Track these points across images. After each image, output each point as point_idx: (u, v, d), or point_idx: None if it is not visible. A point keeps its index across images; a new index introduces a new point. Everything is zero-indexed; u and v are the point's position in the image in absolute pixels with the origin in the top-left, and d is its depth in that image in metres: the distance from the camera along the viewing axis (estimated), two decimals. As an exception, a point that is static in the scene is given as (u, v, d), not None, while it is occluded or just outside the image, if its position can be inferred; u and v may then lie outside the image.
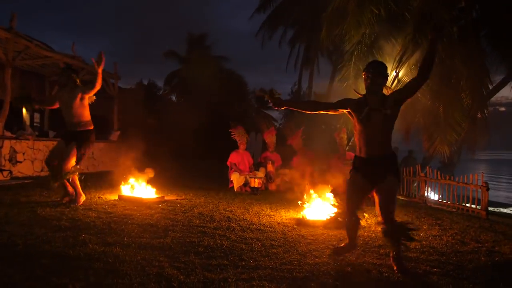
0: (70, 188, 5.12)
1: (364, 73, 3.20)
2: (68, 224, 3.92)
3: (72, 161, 4.94)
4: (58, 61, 9.92)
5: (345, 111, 3.32)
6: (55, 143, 8.73)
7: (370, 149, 3.15)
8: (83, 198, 5.14)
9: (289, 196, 6.54)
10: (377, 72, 3.12)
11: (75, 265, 2.71)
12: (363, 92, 3.28)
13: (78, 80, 5.19)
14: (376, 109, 3.08)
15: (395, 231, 3.07)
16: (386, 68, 3.20)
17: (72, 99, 4.99)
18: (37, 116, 12.56)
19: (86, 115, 5.14)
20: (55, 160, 4.98)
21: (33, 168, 8.22)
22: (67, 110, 5.03)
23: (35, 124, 12.06)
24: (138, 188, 6.03)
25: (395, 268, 3.07)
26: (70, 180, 4.99)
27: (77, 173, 5.04)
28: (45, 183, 5.51)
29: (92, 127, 5.20)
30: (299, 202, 5.34)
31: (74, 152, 4.95)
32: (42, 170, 8.40)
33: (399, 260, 3.09)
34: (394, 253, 3.10)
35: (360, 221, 3.42)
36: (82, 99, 5.04)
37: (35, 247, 3.04)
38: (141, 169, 6.31)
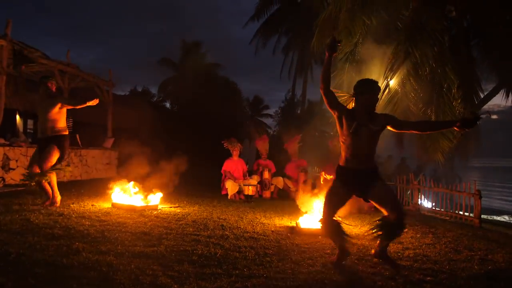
0: (49, 191, 5.24)
1: (353, 91, 3.34)
2: (62, 232, 3.89)
3: (52, 162, 5.09)
4: (53, 68, 9.90)
5: (336, 114, 3.37)
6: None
7: (356, 162, 3.28)
8: (59, 198, 5.37)
9: (282, 204, 6.55)
10: (368, 91, 3.27)
11: (69, 274, 2.69)
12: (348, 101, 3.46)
13: (54, 88, 5.35)
14: (364, 125, 3.22)
15: (401, 225, 3.27)
16: (375, 84, 3.31)
17: (51, 107, 5.14)
18: (30, 122, 12.50)
19: (62, 121, 5.30)
20: (35, 167, 5.06)
21: (25, 175, 8.15)
22: (44, 116, 5.17)
23: (28, 130, 12.00)
24: (131, 195, 6.00)
25: (380, 259, 3.42)
26: (49, 180, 5.12)
27: (55, 173, 5.20)
28: (39, 191, 5.51)
29: (66, 133, 5.34)
30: (302, 209, 5.29)
31: (53, 153, 5.09)
32: (34, 178, 8.34)
33: (386, 250, 3.44)
34: (384, 244, 3.38)
35: (341, 224, 3.47)
36: (61, 108, 5.22)
37: (28, 256, 3.02)
38: (140, 181, 6.32)
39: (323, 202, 3.47)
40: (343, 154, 3.37)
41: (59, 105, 5.16)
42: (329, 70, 3.33)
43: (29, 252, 3.11)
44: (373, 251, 3.52)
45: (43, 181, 5.08)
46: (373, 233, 3.36)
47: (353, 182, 3.30)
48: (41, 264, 2.85)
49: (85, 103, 5.07)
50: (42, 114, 5.18)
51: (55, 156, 5.13)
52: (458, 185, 7.33)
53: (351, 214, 6.45)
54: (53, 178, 5.21)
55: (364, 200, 3.42)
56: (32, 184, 5.08)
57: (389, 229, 3.29)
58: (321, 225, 3.53)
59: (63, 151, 5.23)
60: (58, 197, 5.38)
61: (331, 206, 3.39)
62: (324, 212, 3.42)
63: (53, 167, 5.17)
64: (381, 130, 3.28)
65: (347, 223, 4.02)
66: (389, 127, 3.32)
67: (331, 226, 3.41)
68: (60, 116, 5.26)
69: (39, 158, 5.10)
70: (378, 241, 3.40)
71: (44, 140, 5.18)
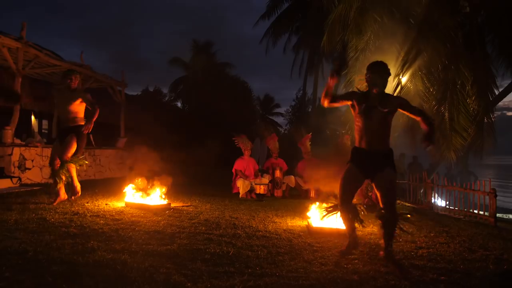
0: (61, 189, 5.49)
1: (366, 72, 3.47)
2: (77, 231, 3.96)
3: (72, 151, 5.33)
4: (66, 69, 10.06)
5: (349, 103, 3.52)
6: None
7: (369, 142, 3.38)
8: (79, 187, 5.65)
9: (294, 203, 6.54)
10: (377, 71, 3.40)
11: (84, 272, 2.75)
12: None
13: (77, 83, 5.57)
14: (374, 106, 3.33)
15: (392, 221, 3.33)
16: (386, 67, 3.44)
17: (72, 100, 5.39)
18: (45, 123, 12.73)
19: (82, 113, 5.55)
20: (57, 160, 5.35)
21: (41, 175, 8.31)
22: (65, 107, 5.40)
23: (43, 131, 12.22)
24: (145, 195, 6.06)
25: (382, 253, 3.42)
26: (69, 171, 5.38)
27: (74, 164, 5.44)
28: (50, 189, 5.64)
29: (82, 123, 5.51)
30: (314, 207, 5.24)
31: (73, 143, 5.31)
32: (50, 177, 8.50)
33: (390, 253, 3.35)
34: (388, 239, 3.35)
35: (357, 210, 3.60)
36: (81, 102, 5.50)
37: (45, 254, 3.09)
38: (156, 175, 6.37)
39: (339, 186, 3.51)
40: (356, 135, 3.50)
41: (80, 100, 5.43)
42: (332, 89, 3.51)
43: (46, 250, 3.19)
44: (381, 253, 3.51)
45: (62, 174, 5.33)
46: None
47: (364, 163, 3.40)
48: (57, 262, 2.91)
49: (95, 116, 5.35)
50: (63, 105, 5.41)
51: (74, 146, 5.35)
52: (472, 183, 7.22)
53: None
54: (73, 169, 5.45)
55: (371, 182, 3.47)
56: (58, 179, 5.36)
57: (382, 224, 3.36)
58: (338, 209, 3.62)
59: (81, 141, 5.45)
60: (78, 186, 5.61)
61: (346, 189, 3.48)
62: (340, 196, 3.50)
63: (72, 159, 5.37)
64: (392, 112, 3.34)
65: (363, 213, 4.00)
66: (401, 110, 3.38)
67: (348, 209, 3.50)
68: (80, 109, 5.52)
69: (60, 148, 5.33)
70: (381, 240, 3.44)
71: (64, 130, 5.43)
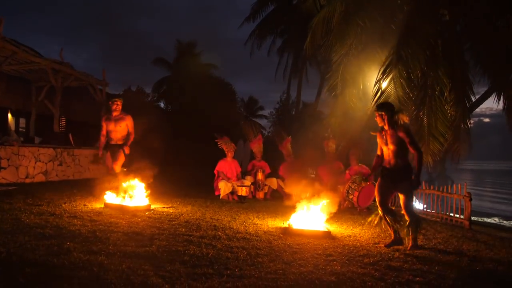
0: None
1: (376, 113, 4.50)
2: (53, 232, 3.88)
3: (122, 162, 6.52)
4: (46, 67, 9.85)
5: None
6: (40, 149, 8.71)
7: (390, 163, 4.47)
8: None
9: (276, 205, 6.57)
10: (387, 112, 4.42)
11: (59, 273, 2.69)
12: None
13: (121, 107, 6.55)
14: (389, 139, 4.41)
15: (413, 221, 4.39)
16: (392, 106, 4.55)
17: (121, 123, 6.48)
18: (22, 121, 12.40)
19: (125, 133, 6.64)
20: (114, 167, 6.47)
21: (17, 174, 8.09)
22: (116, 128, 6.51)
23: (20, 129, 11.89)
24: (124, 195, 5.97)
25: (409, 246, 4.37)
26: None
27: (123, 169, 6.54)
28: (31, 191, 5.51)
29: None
30: (295, 207, 5.33)
31: (122, 155, 6.47)
32: (27, 177, 8.28)
33: (414, 241, 4.40)
34: (411, 236, 4.38)
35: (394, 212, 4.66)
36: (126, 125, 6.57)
37: (18, 256, 3.01)
38: (136, 173, 6.30)
39: (376, 193, 4.60)
40: (385, 158, 4.58)
41: (126, 124, 6.50)
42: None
43: (20, 252, 3.11)
44: (410, 244, 4.41)
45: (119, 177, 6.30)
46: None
47: (387, 177, 4.48)
48: (31, 263, 2.84)
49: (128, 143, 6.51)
50: (114, 126, 6.47)
51: (123, 157, 6.48)
52: (449, 187, 7.41)
53: (343, 215, 6.50)
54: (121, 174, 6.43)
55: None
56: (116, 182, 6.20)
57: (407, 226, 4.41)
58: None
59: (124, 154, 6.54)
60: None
61: (381, 195, 4.52)
62: (378, 202, 4.55)
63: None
64: (402, 142, 4.34)
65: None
66: (404, 140, 4.33)
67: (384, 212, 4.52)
68: (126, 130, 6.56)
69: (114, 159, 6.46)
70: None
71: (115, 146, 6.50)
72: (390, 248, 4.34)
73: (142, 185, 6.03)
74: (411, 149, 4.29)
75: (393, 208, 4.69)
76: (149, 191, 6.05)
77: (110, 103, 6.54)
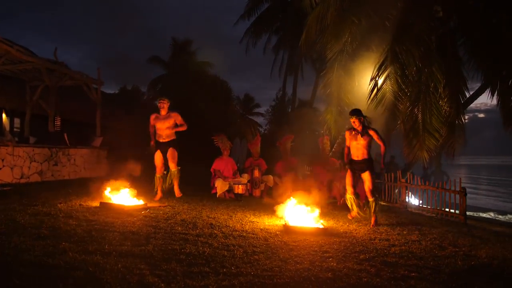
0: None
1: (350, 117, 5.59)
2: (48, 232, 3.86)
3: (176, 158, 6.77)
4: (40, 66, 9.78)
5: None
6: (35, 149, 8.66)
7: (358, 155, 5.69)
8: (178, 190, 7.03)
9: (272, 202, 6.58)
10: (360, 116, 5.55)
11: (55, 274, 2.68)
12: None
13: (166, 106, 6.72)
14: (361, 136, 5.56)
15: (376, 200, 5.64)
16: (362, 112, 5.63)
17: (169, 123, 6.66)
18: (17, 121, 12.33)
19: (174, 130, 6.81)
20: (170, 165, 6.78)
21: (12, 175, 8.04)
22: (163, 126, 6.66)
23: (15, 129, 11.83)
24: (121, 195, 5.96)
25: (372, 223, 5.55)
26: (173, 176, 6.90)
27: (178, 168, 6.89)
28: (26, 191, 5.50)
29: (175, 137, 6.85)
30: (275, 208, 5.60)
31: (176, 152, 6.75)
32: (21, 177, 8.24)
33: (376, 218, 5.60)
34: (374, 215, 5.59)
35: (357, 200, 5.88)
36: (174, 121, 6.71)
37: (13, 256, 2.99)
38: (125, 171, 6.33)
39: (347, 181, 5.82)
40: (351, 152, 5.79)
41: (173, 121, 6.65)
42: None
43: (15, 252, 3.09)
44: (372, 220, 5.59)
45: (174, 177, 6.84)
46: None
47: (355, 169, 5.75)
48: (26, 264, 2.83)
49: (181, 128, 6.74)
50: (163, 124, 6.61)
51: (176, 155, 6.72)
52: (444, 182, 7.45)
53: (340, 212, 6.52)
54: (177, 174, 6.88)
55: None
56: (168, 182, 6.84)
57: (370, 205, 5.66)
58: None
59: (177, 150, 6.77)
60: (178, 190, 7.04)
61: (349, 181, 5.80)
62: (347, 186, 5.84)
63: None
64: (369, 136, 5.58)
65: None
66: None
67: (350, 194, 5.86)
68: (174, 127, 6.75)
69: (168, 159, 6.68)
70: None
71: (164, 144, 6.68)
72: (386, 244, 4.36)
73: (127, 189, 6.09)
74: (379, 142, 5.53)
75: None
76: (135, 191, 6.11)
77: (158, 103, 6.73)
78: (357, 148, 5.59)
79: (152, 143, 6.70)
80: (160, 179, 6.85)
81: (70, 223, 4.35)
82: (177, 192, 7.03)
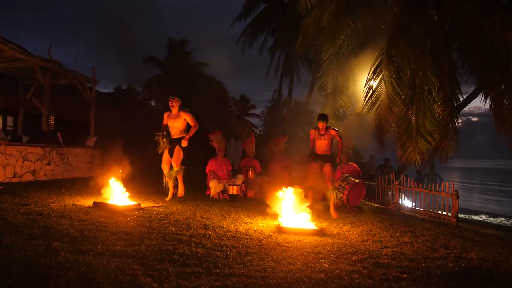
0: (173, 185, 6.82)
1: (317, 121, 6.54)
2: (40, 232, 3.83)
3: (181, 157, 6.60)
4: (34, 65, 9.71)
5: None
6: (28, 148, 8.60)
7: (322, 151, 6.70)
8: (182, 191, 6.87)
9: (266, 203, 6.59)
10: (327, 120, 6.59)
11: (46, 274, 2.67)
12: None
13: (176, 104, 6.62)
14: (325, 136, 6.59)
15: (335, 188, 6.69)
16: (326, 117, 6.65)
17: (179, 121, 6.61)
18: (10, 120, 12.23)
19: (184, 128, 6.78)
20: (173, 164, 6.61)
21: (4, 174, 7.97)
22: (173, 124, 6.67)
23: (7, 128, 11.72)
24: (114, 195, 5.94)
25: (331, 208, 6.53)
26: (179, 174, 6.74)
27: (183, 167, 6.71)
28: (18, 190, 5.46)
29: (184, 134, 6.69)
30: (267, 210, 5.65)
31: (180, 151, 6.56)
32: (14, 176, 8.17)
33: (334, 204, 6.55)
34: (333, 203, 6.53)
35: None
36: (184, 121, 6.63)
37: (4, 256, 2.97)
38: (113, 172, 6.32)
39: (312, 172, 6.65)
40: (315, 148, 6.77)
41: (183, 119, 6.58)
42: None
43: (6, 252, 3.07)
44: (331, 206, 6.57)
45: (178, 175, 6.67)
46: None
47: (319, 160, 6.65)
48: (17, 263, 2.81)
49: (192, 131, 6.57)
50: (173, 123, 6.64)
51: (181, 154, 6.53)
52: (437, 185, 7.51)
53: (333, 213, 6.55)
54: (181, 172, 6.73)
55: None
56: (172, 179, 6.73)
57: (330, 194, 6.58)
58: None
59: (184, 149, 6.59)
60: (183, 190, 6.89)
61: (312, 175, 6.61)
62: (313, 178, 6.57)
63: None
64: (331, 136, 6.63)
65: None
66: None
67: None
68: (184, 125, 6.69)
69: (172, 155, 6.55)
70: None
71: (175, 141, 6.61)
72: (379, 246, 4.39)
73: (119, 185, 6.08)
74: (338, 139, 6.62)
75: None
76: (126, 191, 6.09)
77: (168, 102, 6.71)
78: (321, 145, 6.66)
79: (162, 130, 6.73)
80: (169, 176, 6.77)
81: (62, 223, 4.33)
82: (180, 191, 6.92)
